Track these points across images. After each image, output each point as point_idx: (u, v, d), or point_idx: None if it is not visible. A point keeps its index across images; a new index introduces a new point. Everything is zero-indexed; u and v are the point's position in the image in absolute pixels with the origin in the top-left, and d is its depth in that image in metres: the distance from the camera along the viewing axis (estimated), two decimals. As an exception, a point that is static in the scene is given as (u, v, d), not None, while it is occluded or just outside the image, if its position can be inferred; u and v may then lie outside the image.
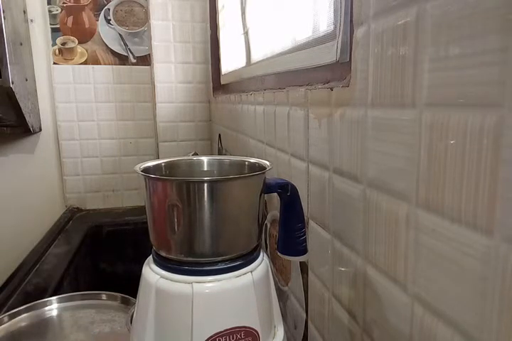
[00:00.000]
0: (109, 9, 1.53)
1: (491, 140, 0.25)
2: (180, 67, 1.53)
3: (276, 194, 0.46)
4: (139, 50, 1.58)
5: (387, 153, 0.37)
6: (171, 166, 0.50)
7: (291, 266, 0.68)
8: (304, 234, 0.47)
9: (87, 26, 1.53)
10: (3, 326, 0.69)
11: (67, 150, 1.56)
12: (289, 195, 0.45)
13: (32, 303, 0.74)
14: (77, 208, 1.61)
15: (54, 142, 1.55)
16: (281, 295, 0.73)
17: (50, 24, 1.49)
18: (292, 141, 0.63)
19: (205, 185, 0.39)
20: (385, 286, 0.39)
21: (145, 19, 1.56)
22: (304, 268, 0.62)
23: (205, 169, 0.52)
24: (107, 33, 1.55)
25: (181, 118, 1.58)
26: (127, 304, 0.74)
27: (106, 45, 1.55)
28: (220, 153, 1.42)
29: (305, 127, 0.57)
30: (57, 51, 1.51)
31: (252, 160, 0.49)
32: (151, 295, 0.41)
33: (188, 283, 0.40)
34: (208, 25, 1.48)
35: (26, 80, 1.33)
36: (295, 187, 0.45)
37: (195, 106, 1.58)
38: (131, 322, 0.55)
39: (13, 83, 1.18)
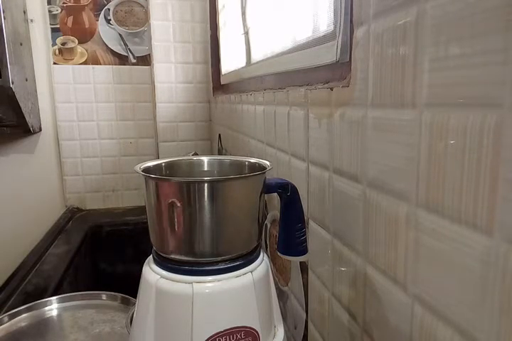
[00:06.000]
0: (109, 9, 1.53)
1: (491, 140, 0.25)
2: (180, 67, 1.53)
3: (276, 194, 0.46)
4: (139, 50, 1.58)
5: (387, 153, 0.37)
6: (171, 166, 0.50)
7: (291, 266, 0.68)
8: (304, 234, 0.47)
9: (87, 26, 1.53)
10: (3, 326, 0.69)
11: (67, 150, 1.56)
12: (289, 195, 0.45)
13: (32, 303, 0.74)
14: (77, 208, 1.61)
15: (54, 142, 1.55)
16: (281, 295, 0.73)
17: (50, 24, 1.49)
18: (292, 141, 0.63)
19: (205, 185, 0.39)
20: (385, 286, 0.39)
21: (145, 19, 1.56)
22: (303, 268, 0.62)
23: (205, 169, 0.52)
24: (107, 33, 1.55)
25: (181, 119, 1.58)
26: (127, 304, 0.74)
27: (106, 45, 1.55)
28: (220, 153, 1.42)
29: (305, 127, 0.57)
30: (57, 51, 1.51)
31: (252, 160, 0.49)
32: (151, 295, 0.41)
33: (188, 283, 0.40)
34: (208, 25, 1.48)
35: (26, 80, 1.33)
36: (295, 187, 0.45)
37: (195, 106, 1.58)
38: (131, 322, 0.54)
39: (13, 83, 1.18)
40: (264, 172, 0.44)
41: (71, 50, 1.52)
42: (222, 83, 1.42)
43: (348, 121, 0.44)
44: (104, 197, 1.63)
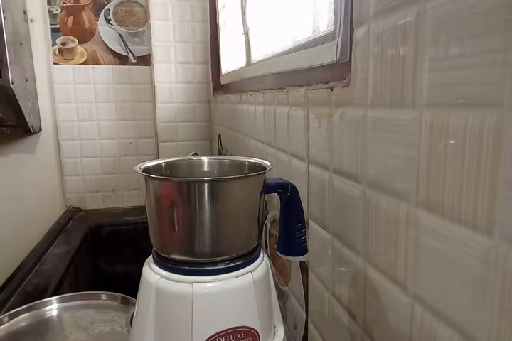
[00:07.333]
0: (109, 9, 1.53)
1: (491, 140, 0.25)
2: (180, 67, 1.53)
3: (276, 194, 0.46)
4: (139, 50, 1.58)
5: (387, 153, 0.37)
6: (171, 166, 0.50)
7: (291, 266, 0.68)
8: (304, 234, 0.47)
9: (87, 26, 1.53)
10: (3, 326, 0.69)
11: (67, 150, 1.56)
12: (289, 195, 0.45)
13: (32, 303, 0.74)
14: (77, 208, 1.61)
15: (54, 142, 1.55)
16: (281, 295, 0.73)
17: (50, 24, 1.49)
18: (292, 141, 0.63)
19: (205, 185, 0.39)
20: (385, 286, 0.39)
21: (145, 19, 1.56)
22: (303, 268, 0.62)
23: (205, 169, 0.52)
24: (107, 33, 1.54)
25: (181, 119, 1.58)
26: (127, 304, 0.74)
27: (106, 45, 1.55)
28: (220, 153, 1.42)
29: (305, 127, 0.57)
30: (57, 51, 1.51)
31: (252, 160, 0.49)
32: (151, 295, 0.41)
33: (188, 283, 0.40)
34: (208, 25, 1.48)
35: (26, 80, 1.33)
36: (295, 187, 0.45)
37: (195, 106, 1.58)
38: (131, 322, 0.55)
39: (13, 83, 1.18)
40: (264, 172, 0.44)
41: (71, 50, 1.52)
42: (222, 83, 1.42)
43: (348, 121, 0.44)
44: (104, 197, 1.63)
